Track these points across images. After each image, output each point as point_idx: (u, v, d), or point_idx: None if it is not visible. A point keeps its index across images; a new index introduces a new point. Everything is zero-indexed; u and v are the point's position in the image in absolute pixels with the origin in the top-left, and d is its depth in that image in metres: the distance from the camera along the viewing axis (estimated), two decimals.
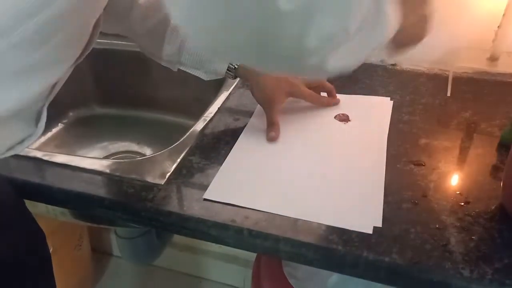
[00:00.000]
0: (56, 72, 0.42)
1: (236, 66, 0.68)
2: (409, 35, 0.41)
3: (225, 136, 0.67)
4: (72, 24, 0.39)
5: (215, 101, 0.75)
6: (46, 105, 0.46)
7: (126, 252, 1.02)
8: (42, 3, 0.34)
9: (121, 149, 0.96)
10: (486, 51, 0.80)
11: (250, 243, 0.52)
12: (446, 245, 0.48)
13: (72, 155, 0.65)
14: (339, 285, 0.68)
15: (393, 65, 0.86)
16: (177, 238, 1.27)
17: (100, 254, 1.46)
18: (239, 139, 0.66)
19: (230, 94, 0.77)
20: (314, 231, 0.51)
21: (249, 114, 0.72)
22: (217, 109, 0.73)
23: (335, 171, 0.60)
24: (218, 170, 0.60)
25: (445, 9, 0.86)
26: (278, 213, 0.53)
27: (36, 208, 0.64)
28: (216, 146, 0.65)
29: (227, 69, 0.68)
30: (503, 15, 0.76)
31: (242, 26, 0.30)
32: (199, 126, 0.69)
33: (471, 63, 0.81)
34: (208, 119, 0.71)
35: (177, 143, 0.65)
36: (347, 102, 0.74)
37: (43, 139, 0.94)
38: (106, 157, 0.93)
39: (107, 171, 0.60)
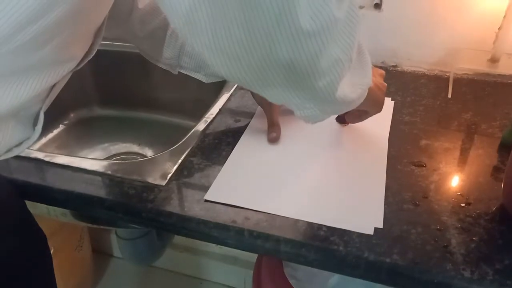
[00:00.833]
0: (53, 74, 0.42)
1: None
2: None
3: (226, 137, 0.67)
4: (72, 29, 0.39)
5: (216, 102, 0.76)
6: (44, 108, 0.46)
7: (126, 253, 1.02)
8: (43, 10, 0.34)
9: (122, 150, 0.96)
10: (487, 52, 0.80)
11: (251, 244, 0.52)
12: (447, 246, 0.48)
13: (73, 156, 0.65)
14: (339, 286, 0.68)
15: (394, 66, 0.86)
16: (177, 239, 1.27)
17: (100, 255, 1.46)
18: (240, 140, 0.66)
19: (231, 95, 0.77)
20: (315, 232, 0.50)
21: (250, 115, 0.72)
22: (218, 110, 0.73)
23: (336, 172, 0.60)
24: (219, 171, 0.60)
25: (446, 10, 0.87)
26: (279, 214, 0.53)
27: (37, 209, 0.64)
28: (217, 147, 0.65)
29: None
30: (504, 16, 0.76)
31: (261, 46, 0.34)
32: (200, 127, 0.69)
33: (472, 64, 0.81)
34: (209, 120, 0.71)
35: (178, 144, 0.65)
36: None
37: (44, 140, 0.94)
38: (107, 158, 0.93)
39: (108, 172, 0.60)
